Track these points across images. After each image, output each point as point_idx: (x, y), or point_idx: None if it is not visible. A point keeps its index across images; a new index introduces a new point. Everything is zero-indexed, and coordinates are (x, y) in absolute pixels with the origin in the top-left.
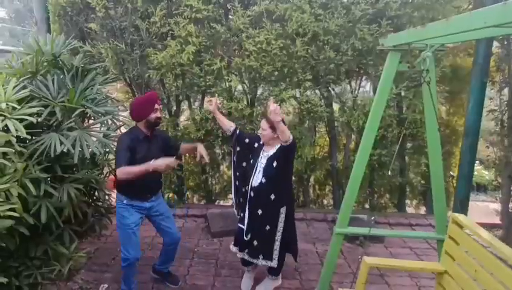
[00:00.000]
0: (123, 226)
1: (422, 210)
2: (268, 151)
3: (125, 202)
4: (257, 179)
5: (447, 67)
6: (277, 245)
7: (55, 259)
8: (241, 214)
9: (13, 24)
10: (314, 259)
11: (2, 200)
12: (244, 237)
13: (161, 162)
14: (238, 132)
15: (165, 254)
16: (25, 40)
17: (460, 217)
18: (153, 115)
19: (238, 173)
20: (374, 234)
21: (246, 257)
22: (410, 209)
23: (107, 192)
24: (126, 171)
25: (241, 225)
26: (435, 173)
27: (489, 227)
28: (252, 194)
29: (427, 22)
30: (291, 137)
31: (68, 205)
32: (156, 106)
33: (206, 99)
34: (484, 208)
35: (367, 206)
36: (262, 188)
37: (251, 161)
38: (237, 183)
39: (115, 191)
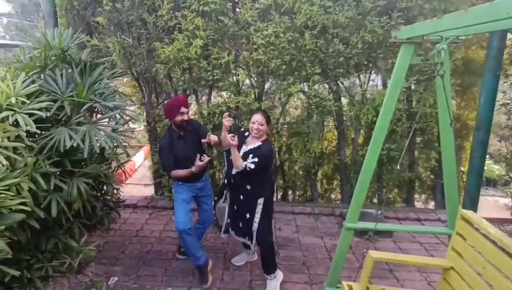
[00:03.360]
0: (177, 199)
1: (431, 205)
2: (249, 145)
3: (180, 183)
4: (235, 169)
5: (458, 60)
6: (254, 235)
7: (65, 252)
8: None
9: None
10: (322, 253)
11: (13, 194)
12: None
13: (195, 167)
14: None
15: (197, 232)
16: (32, 34)
17: (468, 213)
18: (179, 118)
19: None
20: (383, 228)
21: (234, 236)
22: (418, 204)
23: (116, 186)
24: (177, 175)
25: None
26: (448, 168)
27: (499, 222)
28: (232, 181)
29: (439, 14)
30: (242, 165)
31: (77, 199)
32: (183, 110)
33: (225, 115)
34: (494, 203)
35: (375, 200)
36: (237, 178)
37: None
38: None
39: (124, 185)
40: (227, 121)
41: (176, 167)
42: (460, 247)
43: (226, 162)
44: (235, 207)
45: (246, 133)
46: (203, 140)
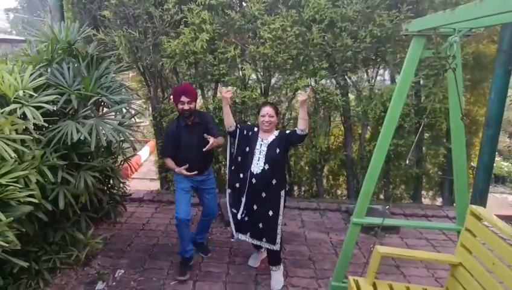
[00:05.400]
0: (177, 189)
1: (439, 202)
2: (268, 139)
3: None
4: (259, 166)
5: (469, 54)
6: (279, 229)
7: (72, 245)
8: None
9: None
10: (328, 249)
11: (21, 186)
12: (239, 216)
13: (180, 170)
14: (238, 129)
15: (202, 224)
16: (39, 28)
17: (478, 209)
18: (180, 106)
19: (233, 165)
20: (390, 223)
21: (249, 239)
22: (425, 201)
23: (122, 180)
24: (167, 165)
25: (234, 210)
26: (458, 163)
27: (508, 219)
28: (254, 181)
29: (450, 8)
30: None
31: (84, 192)
32: (183, 98)
33: (223, 88)
34: (502, 200)
35: (382, 196)
36: (265, 174)
37: (247, 149)
38: (232, 168)
39: (130, 179)
40: (226, 93)
41: (177, 153)
42: (470, 243)
43: (236, 164)
44: (254, 207)
45: (255, 129)
46: (205, 135)
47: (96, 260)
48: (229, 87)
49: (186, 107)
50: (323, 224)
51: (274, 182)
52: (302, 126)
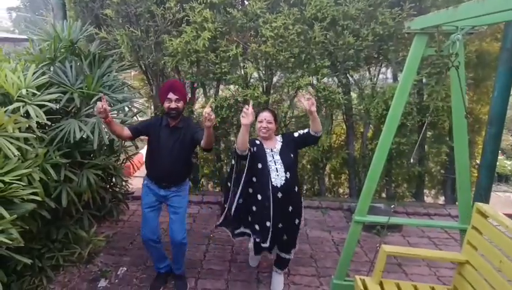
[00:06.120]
0: (142, 205)
1: (441, 200)
2: (275, 146)
3: (145, 182)
4: (280, 178)
5: (472, 52)
6: (297, 237)
7: (75, 242)
8: (256, 226)
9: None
10: (330, 247)
11: (24, 184)
12: (263, 245)
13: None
14: (250, 152)
15: (172, 251)
16: (42, 27)
17: (484, 206)
18: (166, 105)
19: (244, 194)
20: (393, 222)
21: (277, 251)
22: (428, 199)
23: (124, 178)
24: (113, 130)
25: (257, 239)
26: (461, 162)
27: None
28: (280, 195)
29: (452, 5)
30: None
31: (87, 190)
32: (171, 95)
33: (249, 107)
34: (505, 199)
35: (384, 195)
36: (289, 184)
37: (259, 166)
38: (241, 201)
39: (132, 177)
40: (246, 119)
41: (149, 154)
42: (476, 241)
43: (247, 191)
44: (280, 225)
45: (258, 141)
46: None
47: (98, 258)
48: (246, 106)
49: (173, 105)
50: (325, 222)
51: (296, 189)
52: (316, 128)
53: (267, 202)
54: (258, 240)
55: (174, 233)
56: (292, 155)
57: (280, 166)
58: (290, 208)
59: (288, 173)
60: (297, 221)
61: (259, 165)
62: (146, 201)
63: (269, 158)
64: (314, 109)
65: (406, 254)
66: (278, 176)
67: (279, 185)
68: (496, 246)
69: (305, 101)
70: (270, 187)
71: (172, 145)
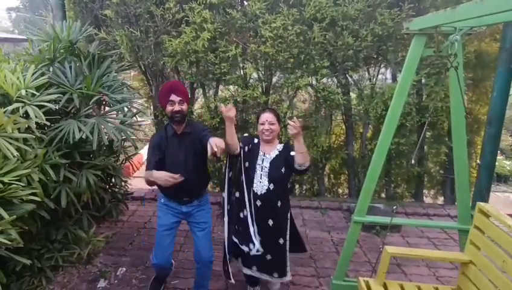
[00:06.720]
0: (157, 226)
1: (440, 200)
2: (270, 154)
3: (162, 201)
4: (262, 186)
5: (471, 53)
6: (288, 257)
7: (74, 243)
8: (240, 229)
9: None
10: (329, 247)
11: (23, 185)
12: (255, 252)
13: (160, 175)
14: (241, 149)
15: (197, 273)
16: (41, 27)
17: (486, 206)
18: (169, 108)
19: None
20: (394, 223)
21: (256, 274)
22: (427, 200)
23: (124, 179)
24: (145, 179)
25: (244, 247)
26: (460, 162)
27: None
28: (259, 204)
29: (451, 6)
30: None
31: (86, 191)
32: (173, 97)
33: (222, 105)
34: (504, 199)
35: (383, 195)
36: (270, 195)
37: (246, 164)
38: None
39: (132, 178)
40: (229, 111)
41: (161, 169)
42: (479, 241)
43: (237, 186)
44: (260, 238)
45: (255, 140)
46: (209, 153)
47: (98, 258)
48: (230, 105)
49: (177, 108)
50: (325, 223)
51: (279, 204)
52: (300, 160)
53: (248, 204)
54: (246, 248)
55: (202, 252)
56: (284, 170)
57: (264, 174)
58: (271, 222)
59: (272, 184)
60: (281, 241)
61: (247, 164)
62: (163, 222)
63: (259, 161)
64: (296, 132)
65: (409, 254)
66: (260, 183)
67: (259, 193)
68: (499, 246)
69: (289, 125)
70: (251, 192)
71: (185, 155)
